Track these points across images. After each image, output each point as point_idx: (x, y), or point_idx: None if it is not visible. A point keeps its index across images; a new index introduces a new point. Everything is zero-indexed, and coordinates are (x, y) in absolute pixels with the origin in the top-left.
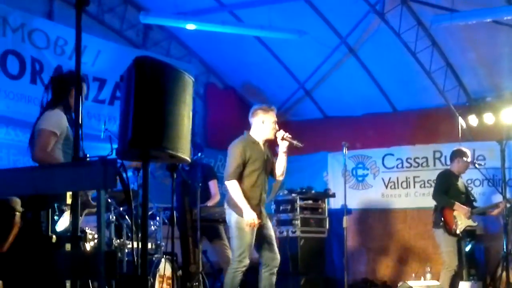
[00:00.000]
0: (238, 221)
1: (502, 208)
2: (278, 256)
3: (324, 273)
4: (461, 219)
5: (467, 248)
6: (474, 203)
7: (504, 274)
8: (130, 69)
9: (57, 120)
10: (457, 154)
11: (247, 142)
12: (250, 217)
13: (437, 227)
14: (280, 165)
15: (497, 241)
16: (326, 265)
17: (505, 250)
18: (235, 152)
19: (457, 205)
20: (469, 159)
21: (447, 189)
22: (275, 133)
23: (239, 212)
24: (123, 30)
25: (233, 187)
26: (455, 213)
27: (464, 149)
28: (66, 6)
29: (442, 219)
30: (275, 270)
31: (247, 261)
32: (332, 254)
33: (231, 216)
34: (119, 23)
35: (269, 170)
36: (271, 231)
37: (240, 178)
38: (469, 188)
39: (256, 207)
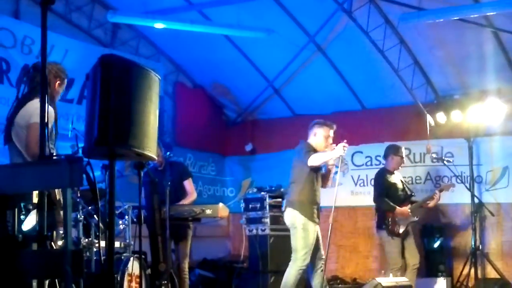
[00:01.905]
0: (304, 222)
1: (437, 199)
2: (324, 255)
3: None
4: (403, 219)
5: (436, 244)
6: (413, 198)
7: (472, 270)
8: (96, 67)
9: (49, 113)
10: (390, 151)
11: (310, 148)
12: (338, 150)
13: (380, 228)
14: (327, 180)
15: (465, 237)
16: None
17: (473, 246)
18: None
19: (398, 209)
20: (402, 155)
21: (387, 190)
22: (326, 147)
23: (304, 213)
24: (91, 29)
25: (314, 157)
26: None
27: (397, 145)
28: (33, 5)
29: (384, 221)
30: (322, 267)
31: (309, 260)
32: None
33: (296, 218)
34: (87, 22)
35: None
36: (319, 232)
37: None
38: (437, 186)
39: (316, 210)
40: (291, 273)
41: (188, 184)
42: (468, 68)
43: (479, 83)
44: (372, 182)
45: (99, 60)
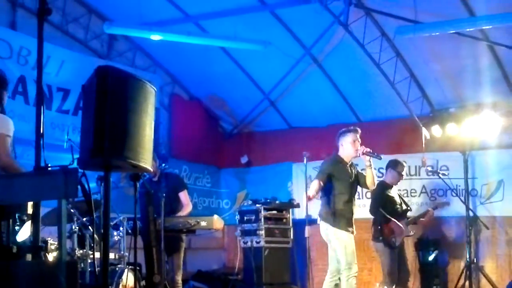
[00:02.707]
0: (336, 233)
1: (431, 215)
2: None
3: (288, 283)
4: (398, 232)
5: (431, 257)
6: (409, 213)
7: (467, 283)
8: (91, 79)
9: (10, 123)
10: (389, 165)
11: (334, 161)
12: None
13: (376, 240)
14: (370, 177)
15: (460, 250)
16: (290, 275)
17: (468, 259)
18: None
19: (393, 221)
20: (401, 170)
21: (384, 202)
22: (356, 150)
23: (334, 224)
24: (88, 40)
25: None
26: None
27: (399, 161)
28: (30, 16)
29: (381, 233)
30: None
31: (356, 267)
32: (296, 264)
33: (328, 230)
34: (84, 33)
35: (356, 185)
36: None
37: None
38: (432, 198)
39: (350, 221)
40: (343, 284)
41: (184, 195)
42: (464, 82)
43: (474, 96)
44: (368, 194)
45: (95, 72)
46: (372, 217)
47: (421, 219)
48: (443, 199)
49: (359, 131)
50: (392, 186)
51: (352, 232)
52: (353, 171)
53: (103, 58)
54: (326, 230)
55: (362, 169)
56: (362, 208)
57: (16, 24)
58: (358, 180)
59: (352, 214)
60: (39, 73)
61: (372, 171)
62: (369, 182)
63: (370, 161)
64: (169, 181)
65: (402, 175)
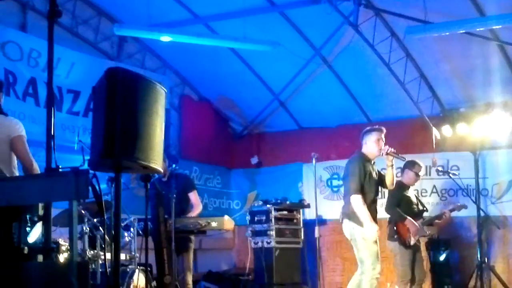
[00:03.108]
0: (363, 232)
1: (448, 218)
2: None
3: (299, 283)
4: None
5: (442, 257)
6: (425, 213)
7: (478, 283)
8: (101, 80)
9: (22, 125)
10: (406, 166)
11: (361, 160)
12: (373, 230)
13: (391, 239)
14: (389, 177)
15: (471, 250)
16: (301, 275)
17: (479, 259)
18: (354, 167)
19: (408, 220)
20: (418, 171)
21: (399, 201)
22: (380, 149)
23: (361, 223)
24: (97, 42)
25: (355, 203)
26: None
27: (416, 161)
28: (40, 18)
29: (396, 231)
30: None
31: (379, 268)
32: (307, 264)
33: (354, 229)
34: (93, 35)
35: (379, 184)
36: None
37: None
38: (443, 199)
39: (375, 220)
40: (364, 285)
41: (193, 196)
42: (474, 81)
43: (485, 96)
44: (379, 195)
45: (105, 73)
46: (385, 217)
47: (437, 220)
48: (456, 200)
49: (384, 130)
50: (409, 187)
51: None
52: (376, 170)
53: (113, 59)
54: (353, 230)
55: (382, 169)
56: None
57: (26, 26)
58: (380, 180)
59: (377, 213)
60: (49, 75)
61: (393, 171)
62: (389, 182)
63: (392, 161)
64: (178, 181)
65: (419, 175)
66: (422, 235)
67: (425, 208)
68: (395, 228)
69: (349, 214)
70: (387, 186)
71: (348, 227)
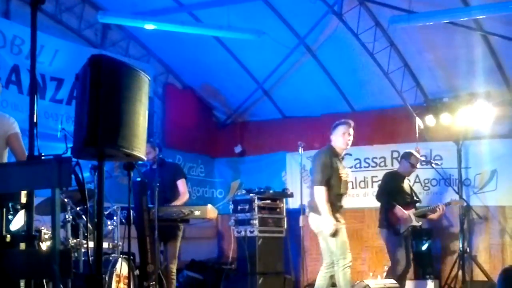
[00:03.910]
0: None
1: (441, 211)
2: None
3: (282, 272)
4: (403, 219)
5: (424, 247)
6: (418, 204)
7: (460, 272)
8: (85, 67)
9: (15, 121)
10: (403, 156)
11: (329, 152)
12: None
13: (382, 227)
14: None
15: (453, 240)
16: (284, 264)
17: (461, 248)
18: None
19: (397, 208)
20: (414, 162)
21: (391, 190)
22: (346, 143)
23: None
24: (81, 29)
25: (317, 194)
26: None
27: (412, 152)
28: (23, 5)
29: (387, 219)
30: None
31: (350, 256)
32: (290, 253)
33: (319, 221)
34: (77, 22)
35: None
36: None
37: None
38: (425, 188)
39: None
40: (338, 274)
41: (181, 184)
42: (458, 71)
43: (468, 86)
44: (361, 184)
45: (88, 60)
46: (376, 206)
47: (430, 213)
48: (439, 190)
49: (352, 124)
50: (404, 177)
51: (343, 224)
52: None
53: (97, 47)
54: (318, 221)
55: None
56: (355, 198)
57: (9, 13)
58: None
59: (342, 206)
60: (32, 63)
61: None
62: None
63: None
64: (168, 169)
65: (415, 167)
66: (413, 224)
67: (418, 200)
68: (385, 215)
69: (314, 207)
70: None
71: (314, 220)
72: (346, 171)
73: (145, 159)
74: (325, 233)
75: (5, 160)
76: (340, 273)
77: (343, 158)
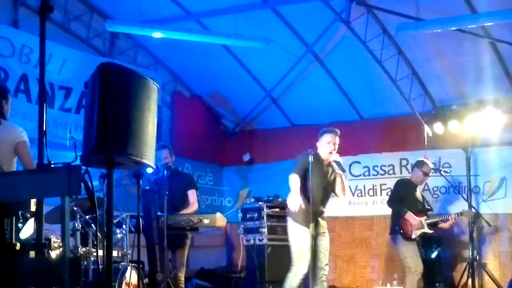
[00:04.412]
0: (293, 227)
1: (453, 221)
2: (327, 267)
3: None
4: (415, 226)
5: (433, 255)
6: (430, 212)
7: (469, 280)
8: (94, 75)
9: (25, 132)
10: (416, 164)
11: (309, 157)
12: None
13: (394, 233)
14: (338, 185)
15: (462, 247)
16: None
17: (470, 256)
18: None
19: (409, 214)
20: (426, 171)
21: (402, 197)
22: (329, 152)
23: (295, 218)
24: (90, 38)
25: (291, 179)
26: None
27: (425, 160)
28: (32, 14)
29: (399, 225)
30: (324, 277)
31: (303, 268)
32: None
33: (289, 225)
34: (85, 31)
35: (329, 188)
36: (325, 241)
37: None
38: (434, 196)
39: (312, 216)
40: (287, 279)
41: (192, 194)
42: (466, 79)
43: (476, 93)
44: (370, 192)
45: (98, 68)
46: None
47: (442, 222)
48: (448, 198)
49: (337, 132)
50: (416, 185)
51: (317, 231)
52: (331, 172)
53: (105, 56)
54: (288, 225)
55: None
56: (364, 206)
57: (18, 22)
58: (332, 185)
59: (319, 213)
60: (41, 71)
61: (341, 179)
62: (337, 190)
63: (339, 171)
64: (180, 178)
65: (428, 175)
66: (425, 231)
67: (430, 208)
68: (397, 221)
69: (288, 211)
70: (337, 195)
71: (287, 224)
72: (327, 180)
73: (154, 166)
74: (289, 236)
75: (14, 168)
76: (287, 279)
77: (329, 165)
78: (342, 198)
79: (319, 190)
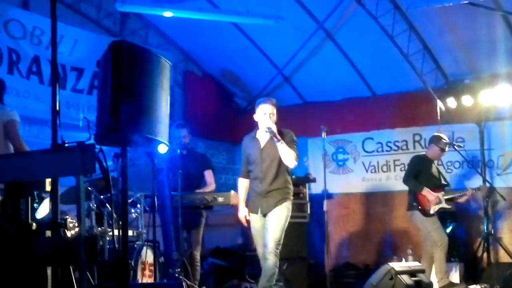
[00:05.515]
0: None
1: (469, 196)
2: (269, 242)
3: (306, 257)
4: (433, 201)
5: (448, 230)
6: (447, 188)
7: (485, 255)
8: (106, 54)
9: (16, 113)
10: (432, 140)
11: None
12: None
13: (412, 209)
14: (281, 153)
15: (477, 222)
16: (308, 249)
17: (485, 231)
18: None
19: (425, 190)
20: (443, 147)
21: (418, 173)
22: (264, 124)
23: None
24: (100, 19)
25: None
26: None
27: (441, 136)
28: None
29: (417, 201)
30: (267, 255)
31: (258, 249)
32: (313, 238)
33: None
34: (96, 12)
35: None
36: (274, 218)
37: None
38: (448, 171)
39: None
40: None
41: (208, 174)
42: (478, 53)
43: (489, 67)
44: (384, 168)
45: (109, 46)
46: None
47: (457, 197)
48: (459, 171)
49: (273, 101)
50: (432, 161)
51: (263, 214)
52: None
53: (116, 36)
54: None
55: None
56: (377, 181)
57: (28, 4)
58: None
59: (262, 194)
60: (53, 53)
61: (282, 146)
62: (283, 158)
63: (275, 138)
64: (196, 158)
65: (444, 150)
66: (443, 207)
67: (446, 183)
68: (414, 197)
69: None
70: (286, 163)
71: None
72: (270, 153)
73: (168, 144)
74: None
75: (8, 150)
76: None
77: (272, 135)
78: (291, 166)
79: (268, 167)
